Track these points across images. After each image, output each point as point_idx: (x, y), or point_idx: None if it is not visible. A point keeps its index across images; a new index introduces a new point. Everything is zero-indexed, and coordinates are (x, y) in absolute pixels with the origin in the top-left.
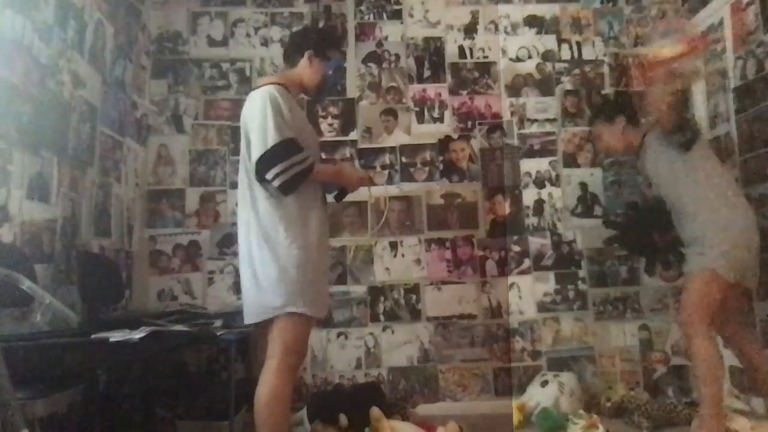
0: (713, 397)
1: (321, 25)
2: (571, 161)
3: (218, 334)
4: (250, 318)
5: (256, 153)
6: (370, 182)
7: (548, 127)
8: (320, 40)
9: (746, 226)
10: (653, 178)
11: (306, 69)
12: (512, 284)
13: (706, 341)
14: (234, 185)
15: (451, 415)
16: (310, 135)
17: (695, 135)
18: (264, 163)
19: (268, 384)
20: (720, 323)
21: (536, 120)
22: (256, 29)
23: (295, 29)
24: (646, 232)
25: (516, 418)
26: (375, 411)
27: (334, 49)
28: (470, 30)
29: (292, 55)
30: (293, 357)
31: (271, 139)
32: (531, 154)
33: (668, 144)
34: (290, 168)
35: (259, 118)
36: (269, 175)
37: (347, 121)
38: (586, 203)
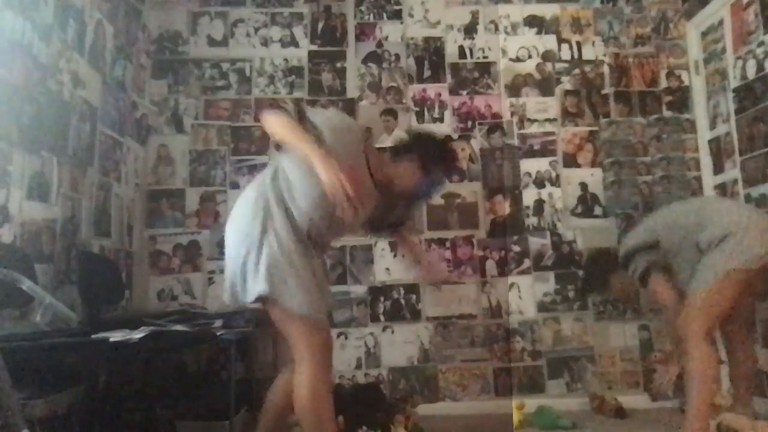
0: (704, 402)
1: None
2: (571, 161)
3: (218, 334)
4: None
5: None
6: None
7: (548, 127)
8: (433, 151)
9: (743, 220)
10: None
11: (404, 170)
12: (512, 284)
13: (704, 351)
14: (234, 185)
15: (451, 415)
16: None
17: None
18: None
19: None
20: (726, 320)
21: (536, 120)
22: (256, 29)
23: (418, 133)
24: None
25: (516, 418)
26: None
27: (440, 169)
28: (470, 30)
29: (400, 150)
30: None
31: (312, 112)
32: (531, 154)
33: None
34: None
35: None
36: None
37: None
38: (586, 203)
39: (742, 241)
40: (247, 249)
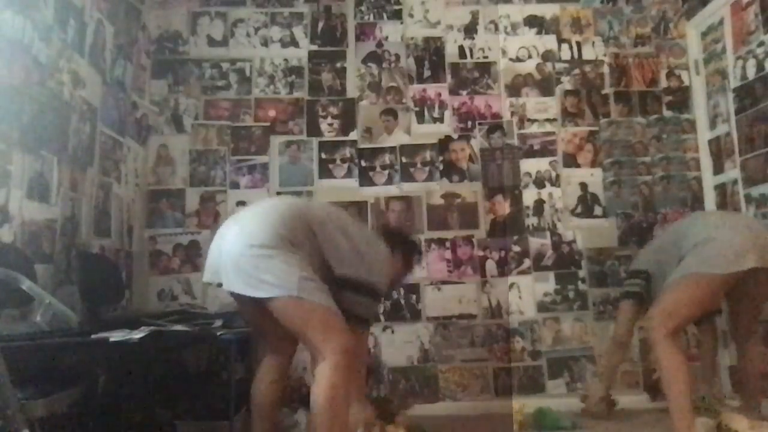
0: (679, 402)
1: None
2: (571, 161)
3: (218, 334)
4: None
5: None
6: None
7: (548, 127)
8: (415, 253)
9: (735, 221)
10: None
11: (395, 263)
12: (512, 284)
13: (670, 348)
14: (234, 185)
15: (451, 415)
16: None
17: None
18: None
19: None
20: (736, 317)
21: (536, 120)
22: (256, 29)
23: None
24: None
25: (516, 418)
26: None
27: (412, 269)
28: (470, 30)
29: (390, 240)
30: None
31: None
32: (531, 154)
33: None
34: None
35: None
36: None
37: (347, 121)
38: (586, 203)
39: (712, 248)
40: (274, 248)
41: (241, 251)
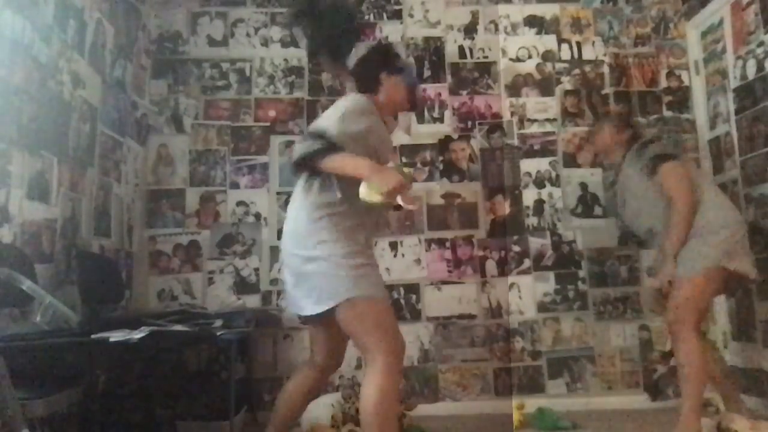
0: (695, 397)
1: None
2: (571, 161)
3: (218, 334)
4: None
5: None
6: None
7: (548, 127)
8: (385, 57)
9: (734, 217)
10: (629, 198)
11: (390, 89)
12: (512, 284)
13: (694, 343)
14: (234, 185)
15: (451, 415)
16: (384, 153)
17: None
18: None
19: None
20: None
21: (536, 120)
22: (256, 29)
23: (358, 59)
24: None
25: (516, 418)
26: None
27: (399, 59)
28: (470, 30)
29: (367, 84)
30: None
31: (331, 127)
32: (531, 154)
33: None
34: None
35: (333, 109)
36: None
37: None
38: (586, 203)
39: (729, 241)
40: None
41: (293, 269)
